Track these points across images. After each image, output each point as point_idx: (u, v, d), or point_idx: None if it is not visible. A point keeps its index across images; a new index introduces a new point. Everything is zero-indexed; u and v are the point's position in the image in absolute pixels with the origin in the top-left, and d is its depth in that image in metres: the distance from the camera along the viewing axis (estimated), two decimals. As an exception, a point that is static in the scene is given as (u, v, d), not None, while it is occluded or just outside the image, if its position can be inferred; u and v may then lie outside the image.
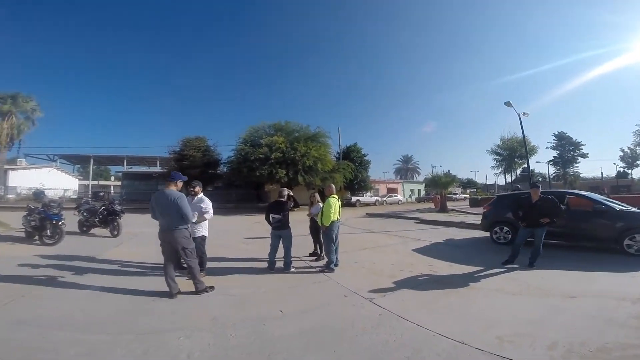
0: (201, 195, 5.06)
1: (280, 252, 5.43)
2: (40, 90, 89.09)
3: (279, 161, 20.87)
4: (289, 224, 5.44)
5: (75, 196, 28.80)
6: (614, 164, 48.97)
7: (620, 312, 3.36)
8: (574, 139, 49.25)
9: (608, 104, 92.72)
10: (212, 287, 4.14)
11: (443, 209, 18.48)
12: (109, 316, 3.43)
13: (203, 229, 4.95)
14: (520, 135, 26.33)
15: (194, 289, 4.01)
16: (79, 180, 43.55)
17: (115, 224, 9.22)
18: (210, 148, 28.71)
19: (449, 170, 21.77)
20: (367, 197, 33.31)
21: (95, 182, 45.09)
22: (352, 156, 33.54)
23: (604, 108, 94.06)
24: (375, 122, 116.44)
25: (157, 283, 4.23)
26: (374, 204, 32.85)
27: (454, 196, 45.63)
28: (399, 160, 73.75)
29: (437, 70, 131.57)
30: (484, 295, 4.10)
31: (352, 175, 27.34)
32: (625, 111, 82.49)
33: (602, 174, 52.12)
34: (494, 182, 64.28)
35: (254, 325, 3.20)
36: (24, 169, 31.82)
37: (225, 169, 27.83)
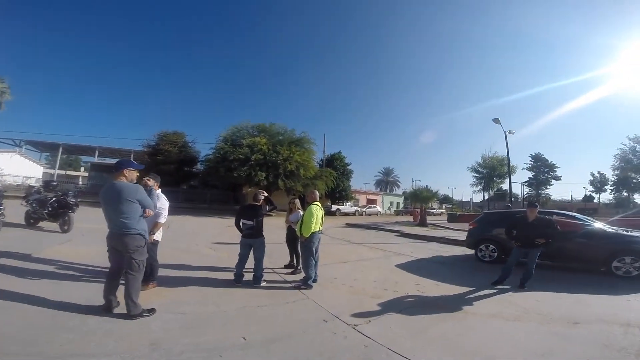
0: (157, 191, 4.22)
1: (250, 263, 4.72)
2: (13, 72, 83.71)
3: (259, 163, 20.04)
4: (263, 232, 4.75)
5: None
6: (584, 187, 51.61)
7: (631, 339, 3.09)
8: (549, 161, 51.15)
9: (583, 131, 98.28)
10: (151, 310, 3.23)
11: (423, 223, 18.28)
12: (17, 332, 2.66)
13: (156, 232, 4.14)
14: (500, 154, 27.05)
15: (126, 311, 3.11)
16: (44, 168, 40.55)
17: (67, 218, 8.17)
18: (187, 144, 27.48)
19: (427, 186, 21.86)
20: (347, 207, 32.87)
21: (62, 172, 42.02)
22: (335, 164, 33.17)
23: (579, 134, 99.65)
24: (360, 134, 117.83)
25: (95, 293, 3.41)
26: (354, 214, 32.46)
27: (432, 211, 46.24)
28: (380, 172, 74.36)
29: (426, 91, 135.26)
30: (481, 321, 3.59)
31: (334, 183, 26.89)
32: (599, 138, 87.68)
33: (571, 196, 54.69)
34: (469, 200, 65.93)
35: (206, 356, 2.52)
36: (-19, 152, 29.13)
37: (202, 168, 26.60)
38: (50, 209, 8.17)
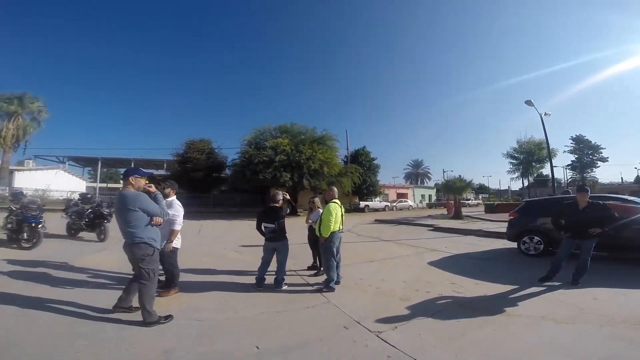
0: (172, 198, 4.17)
1: (273, 266, 4.56)
2: (47, 90, 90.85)
3: (283, 164, 20.05)
4: (286, 234, 4.56)
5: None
6: (635, 168, 46.83)
7: None
8: (592, 142, 47.08)
9: (628, 106, 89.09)
10: (168, 317, 3.18)
11: (457, 215, 17.34)
12: (39, 339, 2.74)
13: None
14: (536, 138, 25.09)
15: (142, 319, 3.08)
16: (87, 182, 43.72)
17: (102, 227, 8.59)
18: (214, 150, 28.22)
19: (460, 176, 20.62)
20: (376, 203, 32.17)
21: (104, 185, 45.16)
22: (360, 160, 32.63)
23: (623, 110, 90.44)
24: (385, 126, 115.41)
25: (116, 299, 3.43)
26: (384, 209, 31.66)
27: (467, 202, 44.07)
28: (408, 165, 72.21)
29: (449, 73, 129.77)
30: (526, 325, 3.14)
31: (360, 179, 26.38)
32: None
33: (621, 179, 49.84)
34: (507, 188, 62.12)
35: (216, 367, 2.36)
36: (30, 170, 31.81)
37: (230, 172, 27.26)
38: (87, 219, 8.64)
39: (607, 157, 46.74)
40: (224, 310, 3.65)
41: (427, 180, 68.10)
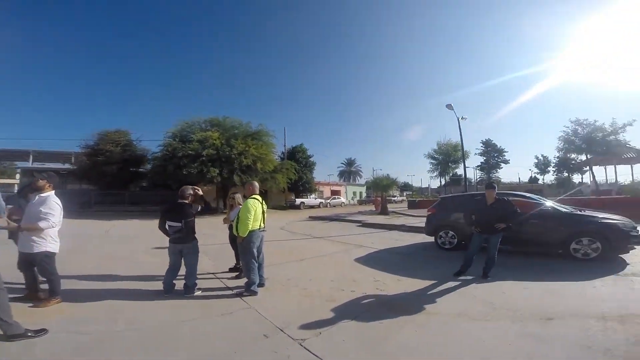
0: (48, 194, 3.34)
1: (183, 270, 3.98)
2: None
3: (212, 159, 18.73)
4: (195, 234, 4.01)
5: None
6: (530, 169, 56.01)
7: (612, 338, 2.69)
8: (498, 146, 54.70)
9: (530, 117, 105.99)
10: (40, 331, 2.65)
11: (384, 211, 18.34)
12: None
13: (47, 242, 3.26)
14: (454, 140, 28.06)
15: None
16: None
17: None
18: (132, 142, 25.11)
19: (388, 174, 22.13)
20: (311, 200, 32.47)
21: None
22: (297, 157, 32.58)
23: (525, 120, 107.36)
24: (323, 125, 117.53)
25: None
26: (318, 206, 32.13)
27: (393, 198, 47.43)
28: (342, 163, 74.84)
29: (380, 77, 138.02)
30: (444, 323, 3.14)
31: (296, 176, 26.21)
32: (543, 123, 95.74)
33: (519, 179, 59.03)
34: (427, 186, 68.75)
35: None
36: None
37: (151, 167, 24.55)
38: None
39: (509, 160, 54.93)
40: (115, 320, 3.05)
41: (358, 178, 71.44)
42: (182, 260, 3.97)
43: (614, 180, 22.35)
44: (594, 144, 21.13)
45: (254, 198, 4.13)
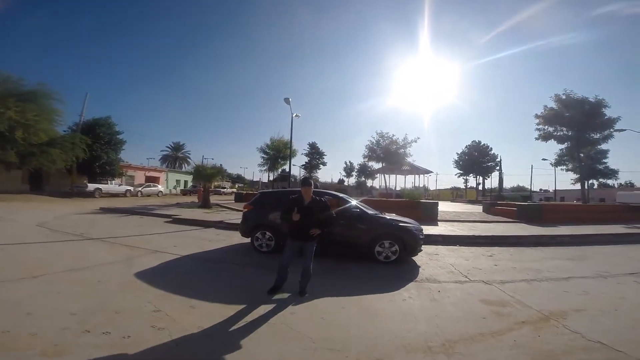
0: None
1: None
2: None
3: None
4: None
5: None
6: (340, 172, 66.70)
7: None
8: (320, 149, 62.22)
9: (347, 128, 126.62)
10: None
11: (206, 204, 16.29)
12: None
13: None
14: (286, 137, 29.02)
15: None
16: None
17: None
18: None
19: (221, 164, 20.37)
20: (113, 186, 25.70)
21: None
22: (97, 132, 25.13)
23: (344, 130, 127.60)
24: (147, 102, 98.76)
25: None
26: (124, 194, 25.86)
27: (222, 190, 45.19)
28: (167, 147, 65.23)
29: (227, 60, 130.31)
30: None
31: (87, 154, 19.79)
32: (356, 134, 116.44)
33: (331, 179, 69.47)
34: (259, 179, 70.24)
35: None
36: None
37: None
38: None
39: (327, 162, 63.39)
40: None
41: (186, 165, 64.35)
42: None
43: (393, 186, 29.17)
44: (390, 155, 26.77)
45: None
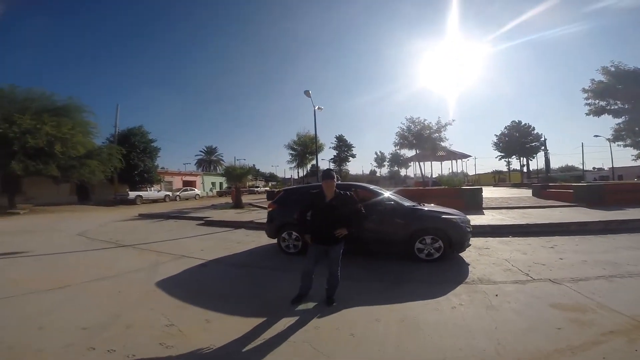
0: None
1: None
2: None
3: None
4: None
5: None
6: (370, 163, 65.25)
7: None
8: (348, 141, 61.13)
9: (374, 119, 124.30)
10: None
11: (238, 204, 16.38)
12: None
13: None
14: (312, 132, 28.71)
15: None
16: None
17: None
18: None
19: (254, 164, 20.97)
20: (152, 192, 26.91)
21: None
22: (132, 141, 26.44)
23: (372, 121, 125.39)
24: (179, 108, 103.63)
25: None
26: (164, 199, 27.04)
27: (257, 189, 46.05)
28: (201, 151, 67.83)
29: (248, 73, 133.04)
30: None
31: (123, 163, 20.75)
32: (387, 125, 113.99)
33: (362, 171, 68.23)
34: (290, 177, 70.78)
35: None
36: None
37: None
38: None
39: (356, 154, 62.22)
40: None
41: (219, 167, 66.49)
42: None
43: (429, 174, 27.69)
44: (422, 141, 25.38)
45: None
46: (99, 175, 17.55)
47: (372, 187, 5.97)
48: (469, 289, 3.81)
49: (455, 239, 4.86)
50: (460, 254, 5.20)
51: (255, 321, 3.00)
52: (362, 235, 4.79)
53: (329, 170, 3.52)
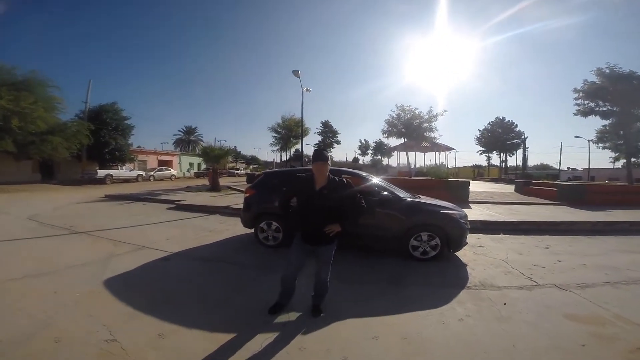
0: None
1: None
2: None
3: None
4: None
5: None
6: (354, 151, 64.97)
7: None
8: (334, 127, 60.18)
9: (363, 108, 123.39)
10: None
11: (215, 187, 15.45)
12: None
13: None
14: (298, 116, 27.77)
15: None
16: None
17: None
18: None
19: (235, 146, 19.99)
20: (124, 172, 25.24)
21: None
22: (104, 117, 24.54)
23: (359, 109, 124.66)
24: (161, 89, 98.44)
25: None
26: (136, 179, 25.44)
27: (237, 172, 44.74)
28: (180, 131, 64.96)
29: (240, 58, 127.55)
30: None
31: (91, 139, 19.20)
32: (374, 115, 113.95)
33: (346, 158, 67.88)
34: (272, 160, 69.32)
35: None
36: None
37: None
38: None
39: (341, 141, 61.49)
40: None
41: (198, 148, 64.15)
42: None
43: (412, 165, 27.56)
44: (412, 130, 25.02)
45: None
46: (62, 152, 16.13)
47: (365, 174, 5.20)
48: (473, 295, 3.36)
49: (453, 236, 4.39)
50: (455, 253, 4.76)
51: (222, 338, 2.40)
52: (354, 229, 4.17)
53: (321, 150, 2.78)
